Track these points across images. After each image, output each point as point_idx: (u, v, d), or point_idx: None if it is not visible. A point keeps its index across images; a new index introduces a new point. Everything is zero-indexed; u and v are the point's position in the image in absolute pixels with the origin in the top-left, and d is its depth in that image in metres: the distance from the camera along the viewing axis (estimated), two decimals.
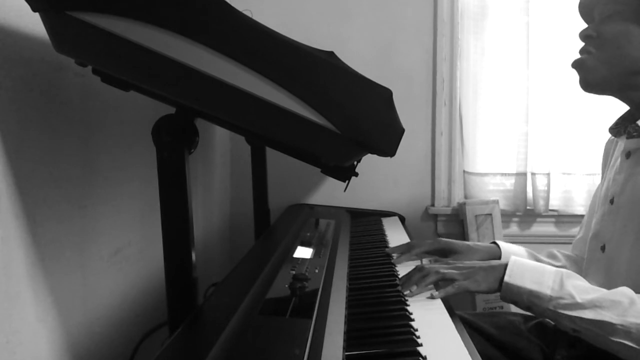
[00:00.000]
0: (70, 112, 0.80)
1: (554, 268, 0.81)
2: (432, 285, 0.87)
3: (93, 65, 0.67)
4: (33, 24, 0.66)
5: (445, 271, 0.86)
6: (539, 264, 0.84)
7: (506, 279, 0.81)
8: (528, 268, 0.82)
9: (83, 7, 0.58)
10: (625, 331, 0.71)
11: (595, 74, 0.86)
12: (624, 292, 0.74)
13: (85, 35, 0.59)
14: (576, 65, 0.88)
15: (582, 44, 0.88)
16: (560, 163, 1.78)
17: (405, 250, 1.08)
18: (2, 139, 0.64)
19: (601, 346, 0.75)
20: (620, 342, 0.71)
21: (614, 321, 0.72)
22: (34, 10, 0.60)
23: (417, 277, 0.87)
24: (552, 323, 0.90)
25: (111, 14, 0.58)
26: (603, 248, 0.89)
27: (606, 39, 0.84)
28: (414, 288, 0.85)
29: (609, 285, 0.77)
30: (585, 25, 0.90)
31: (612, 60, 0.84)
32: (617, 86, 0.87)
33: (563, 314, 0.76)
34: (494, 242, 1.09)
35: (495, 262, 0.87)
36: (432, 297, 0.83)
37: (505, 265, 0.83)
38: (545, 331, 0.99)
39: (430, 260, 1.06)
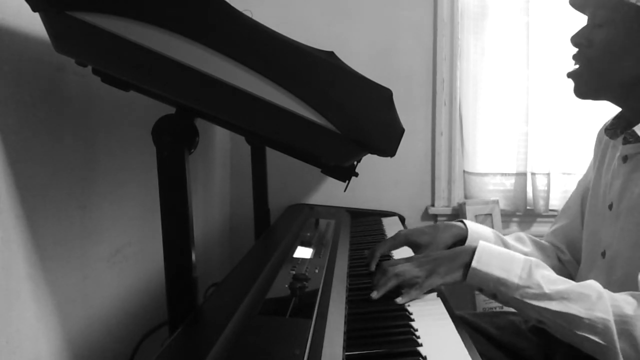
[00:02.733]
0: (70, 112, 0.80)
1: (523, 256, 0.80)
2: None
3: (93, 65, 0.67)
4: (33, 24, 0.66)
5: (405, 273, 0.83)
6: (508, 250, 0.82)
7: (474, 264, 0.79)
8: (497, 254, 0.80)
9: (83, 7, 0.58)
10: (591, 325, 0.70)
11: (588, 85, 0.86)
12: (592, 286, 0.74)
13: (85, 35, 0.59)
14: (571, 76, 0.89)
15: (574, 49, 0.88)
16: (560, 163, 1.78)
17: (369, 258, 1.02)
18: (2, 139, 0.64)
19: (565, 339, 0.75)
20: (585, 336, 0.70)
21: (580, 314, 0.71)
22: (34, 10, 0.60)
23: (382, 282, 0.84)
24: None
25: (111, 14, 0.58)
26: (603, 254, 0.89)
27: (598, 48, 0.83)
28: (374, 293, 0.82)
29: (610, 290, 0.77)
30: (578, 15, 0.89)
31: (605, 72, 0.83)
32: (611, 95, 0.87)
33: (529, 303, 0.75)
34: (461, 221, 1.07)
35: (460, 249, 0.85)
36: (395, 302, 0.81)
37: (473, 251, 0.81)
38: (546, 331, 0.99)
39: (390, 257, 1.04)
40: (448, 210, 1.81)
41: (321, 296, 0.76)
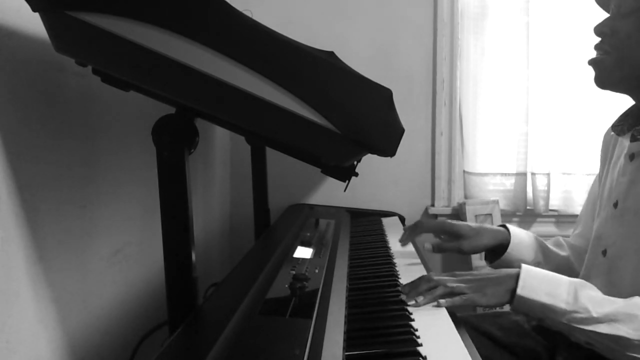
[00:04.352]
0: (70, 112, 0.80)
1: (568, 279, 0.79)
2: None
3: (93, 65, 0.67)
4: (33, 24, 0.66)
5: (454, 285, 0.82)
6: (551, 273, 0.81)
7: (519, 291, 0.78)
8: (541, 279, 0.79)
9: (83, 7, 0.58)
10: None
11: (610, 74, 0.84)
12: (639, 305, 0.73)
13: (85, 35, 0.59)
14: (593, 63, 0.86)
15: (597, 39, 0.86)
16: (560, 163, 1.78)
17: (410, 229, 1.07)
18: (2, 139, 0.64)
19: (614, 359, 0.74)
20: (635, 357, 0.70)
21: (630, 336, 0.70)
22: (34, 10, 0.60)
23: (424, 288, 0.83)
24: None
25: (111, 14, 0.58)
26: (604, 252, 0.88)
27: (623, 37, 0.81)
28: (420, 298, 0.81)
29: (610, 290, 0.76)
30: (596, 15, 0.87)
31: (629, 62, 0.81)
32: (633, 85, 0.85)
33: (578, 327, 0.74)
34: (503, 225, 1.07)
35: (503, 274, 0.83)
36: (438, 305, 0.80)
37: (517, 276, 0.79)
38: (549, 330, 0.98)
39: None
40: (448, 210, 1.81)
41: (321, 296, 0.76)
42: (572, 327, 0.75)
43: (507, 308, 0.84)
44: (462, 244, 1.03)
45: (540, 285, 0.78)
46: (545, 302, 0.76)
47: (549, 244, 1.08)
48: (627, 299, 0.75)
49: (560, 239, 1.10)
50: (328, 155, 0.70)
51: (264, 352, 0.57)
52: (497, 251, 1.05)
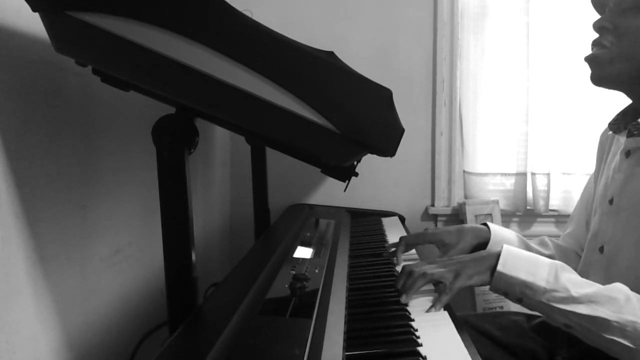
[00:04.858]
0: (70, 112, 0.80)
1: (549, 260, 0.79)
2: (430, 285, 0.85)
3: (93, 65, 0.67)
4: (33, 24, 0.66)
5: (434, 272, 0.82)
6: (532, 254, 0.81)
7: (499, 268, 0.78)
8: (522, 258, 0.79)
9: (83, 7, 0.58)
10: (620, 328, 0.69)
11: (609, 69, 0.83)
12: (619, 288, 0.73)
13: (85, 35, 0.59)
14: (589, 60, 0.86)
15: (595, 35, 0.85)
16: (560, 163, 1.78)
17: (398, 246, 1.06)
18: (2, 139, 0.64)
19: (592, 343, 0.74)
20: (614, 340, 0.70)
21: (609, 317, 0.70)
22: (34, 10, 0.60)
23: (408, 284, 0.83)
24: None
25: (111, 14, 0.58)
26: (601, 249, 0.88)
27: (624, 32, 0.81)
28: (403, 297, 0.81)
29: None
30: (595, 16, 0.87)
31: (629, 56, 0.81)
32: (629, 82, 0.84)
33: (556, 307, 0.74)
34: (485, 224, 1.08)
35: (485, 252, 0.84)
36: (430, 311, 0.79)
37: (498, 254, 0.80)
38: (548, 330, 0.98)
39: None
40: (448, 210, 1.81)
41: (321, 296, 0.76)
42: (551, 307, 0.74)
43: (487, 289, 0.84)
44: (450, 252, 1.02)
45: (521, 263, 0.78)
46: (525, 279, 0.76)
47: (533, 243, 1.08)
48: (609, 285, 0.75)
49: (546, 239, 1.10)
50: (328, 155, 0.70)
51: (264, 352, 0.57)
52: (480, 250, 1.04)
